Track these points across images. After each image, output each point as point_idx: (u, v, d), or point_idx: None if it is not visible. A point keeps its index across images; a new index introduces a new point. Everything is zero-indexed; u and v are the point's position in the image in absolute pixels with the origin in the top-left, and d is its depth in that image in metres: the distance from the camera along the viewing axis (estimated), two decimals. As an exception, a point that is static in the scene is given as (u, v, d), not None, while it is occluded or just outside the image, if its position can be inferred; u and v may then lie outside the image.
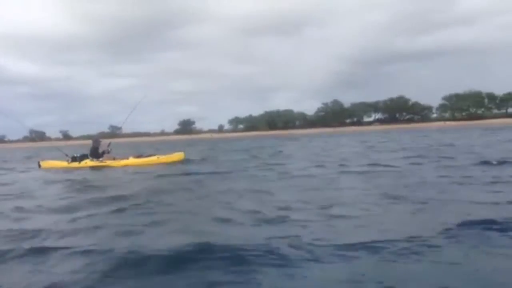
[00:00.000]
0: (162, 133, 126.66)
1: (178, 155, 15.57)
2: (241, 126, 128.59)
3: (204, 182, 8.92)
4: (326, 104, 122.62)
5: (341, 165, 11.19)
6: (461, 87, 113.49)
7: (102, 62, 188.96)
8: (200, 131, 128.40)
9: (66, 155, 15.73)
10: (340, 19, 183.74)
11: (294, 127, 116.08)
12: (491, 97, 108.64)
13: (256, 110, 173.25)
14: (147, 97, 18.25)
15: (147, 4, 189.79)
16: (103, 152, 15.43)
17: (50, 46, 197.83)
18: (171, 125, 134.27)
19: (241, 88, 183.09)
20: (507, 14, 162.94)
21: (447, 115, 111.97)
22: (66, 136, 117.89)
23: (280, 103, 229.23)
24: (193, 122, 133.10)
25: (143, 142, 66.53)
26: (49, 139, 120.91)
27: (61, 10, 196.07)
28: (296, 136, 59.71)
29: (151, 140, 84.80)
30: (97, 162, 15.09)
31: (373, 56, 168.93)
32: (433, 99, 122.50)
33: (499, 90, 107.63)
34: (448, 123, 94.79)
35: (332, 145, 24.79)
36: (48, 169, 14.99)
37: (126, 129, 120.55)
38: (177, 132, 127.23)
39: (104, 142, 15.93)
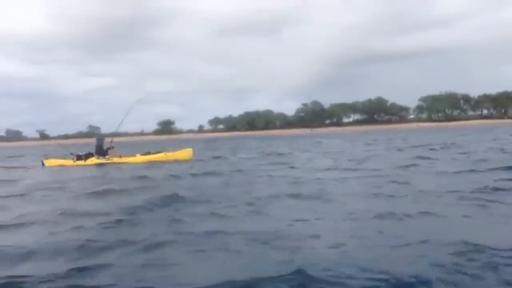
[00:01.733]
0: (142, 133, 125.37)
1: (186, 152, 14.97)
2: (221, 126, 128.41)
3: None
4: (305, 104, 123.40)
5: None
6: (438, 88, 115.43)
7: (79, 62, 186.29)
8: (180, 131, 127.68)
9: (71, 154, 15.28)
10: (319, 19, 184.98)
11: (274, 127, 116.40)
12: (466, 98, 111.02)
13: (236, 110, 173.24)
14: (142, 99, 17.88)
15: (125, 4, 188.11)
16: (108, 149, 15.04)
17: (27, 45, 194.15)
18: (150, 125, 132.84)
19: (220, 88, 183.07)
20: (482, 15, 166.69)
21: (424, 116, 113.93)
22: (43, 136, 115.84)
23: (260, 103, 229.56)
24: (173, 122, 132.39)
25: (123, 142, 65.77)
26: (26, 138, 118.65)
27: (39, 8, 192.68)
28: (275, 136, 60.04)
29: (131, 140, 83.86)
30: (104, 159, 14.58)
31: (352, 57, 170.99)
32: (410, 100, 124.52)
33: (474, 92, 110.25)
34: (421, 124, 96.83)
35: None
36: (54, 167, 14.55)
37: (104, 130, 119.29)
38: (156, 132, 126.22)
39: (107, 140, 15.55)
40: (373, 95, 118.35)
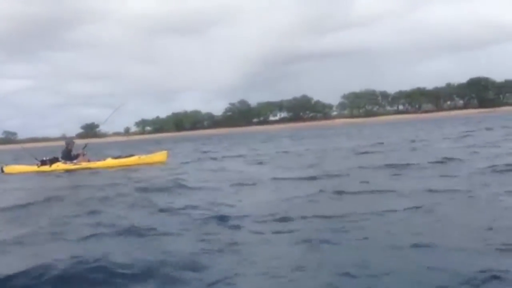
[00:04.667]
0: (63, 138, 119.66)
1: (161, 155, 14.30)
2: (148, 128, 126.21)
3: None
4: (233, 104, 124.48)
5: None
6: (359, 86, 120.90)
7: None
8: (105, 135, 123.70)
9: (36, 159, 14.24)
10: (245, 20, 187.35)
11: (202, 127, 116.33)
12: (384, 95, 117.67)
13: (163, 111, 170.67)
14: (124, 105, 17.12)
15: (45, 2, 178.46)
16: (77, 155, 13.97)
17: None
18: (73, 129, 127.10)
19: (147, 89, 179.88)
20: (397, 17, 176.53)
21: (346, 112, 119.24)
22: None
23: (187, 104, 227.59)
24: (97, 126, 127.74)
25: (43, 148, 62.61)
26: None
27: None
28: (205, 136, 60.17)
29: (53, 145, 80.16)
30: (71, 164, 13.61)
31: (278, 57, 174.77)
32: (334, 97, 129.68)
33: (391, 89, 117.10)
34: (337, 120, 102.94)
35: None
36: (15, 175, 13.60)
37: (21, 135, 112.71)
38: (80, 136, 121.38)
39: (78, 144, 14.54)
40: (298, 94, 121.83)
